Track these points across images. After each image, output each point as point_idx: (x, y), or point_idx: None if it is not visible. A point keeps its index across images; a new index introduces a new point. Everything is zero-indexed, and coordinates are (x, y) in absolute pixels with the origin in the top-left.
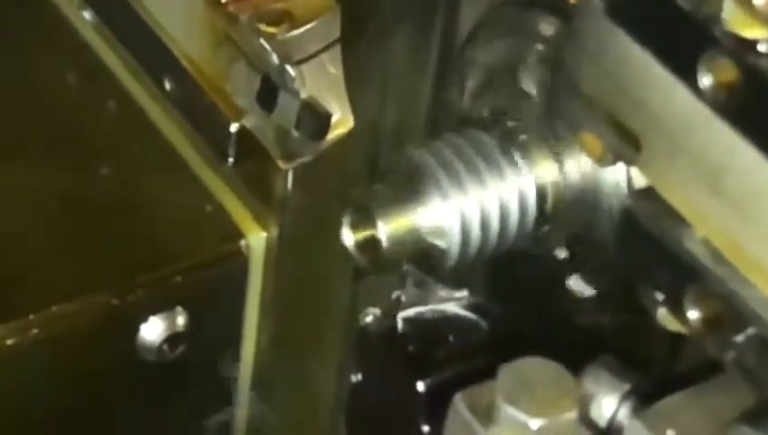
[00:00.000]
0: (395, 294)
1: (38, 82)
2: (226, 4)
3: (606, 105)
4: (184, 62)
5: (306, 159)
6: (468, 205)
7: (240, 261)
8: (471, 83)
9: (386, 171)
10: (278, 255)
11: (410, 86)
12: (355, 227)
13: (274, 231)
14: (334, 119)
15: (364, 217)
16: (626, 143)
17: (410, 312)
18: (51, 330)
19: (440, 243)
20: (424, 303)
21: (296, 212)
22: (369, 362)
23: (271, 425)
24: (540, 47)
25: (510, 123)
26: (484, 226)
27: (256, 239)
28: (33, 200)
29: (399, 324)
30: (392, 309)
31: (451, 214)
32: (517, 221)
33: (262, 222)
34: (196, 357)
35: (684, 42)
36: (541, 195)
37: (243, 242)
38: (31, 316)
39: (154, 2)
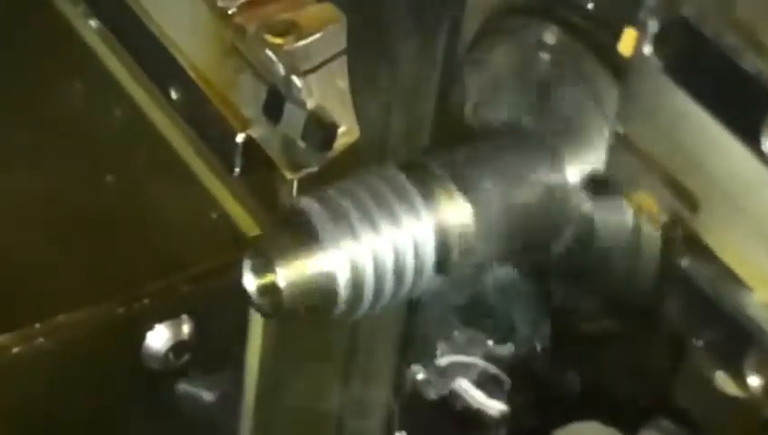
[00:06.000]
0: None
1: (44, 91)
2: (233, 14)
3: (662, 163)
4: (190, 72)
5: (312, 169)
6: (360, 252)
7: None
8: (474, 92)
9: (285, 217)
10: None
11: (415, 96)
12: (256, 272)
13: None
14: (340, 129)
15: (265, 263)
16: (682, 203)
17: (456, 359)
18: (56, 338)
19: (334, 289)
20: (471, 354)
21: None
22: (417, 420)
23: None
24: (543, 56)
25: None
26: (378, 272)
27: None
28: (39, 209)
29: (447, 381)
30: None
31: (343, 261)
32: (413, 269)
33: None
34: (200, 365)
35: (747, 104)
36: (442, 241)
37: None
38: (36, 325)
39: (161, 12)
